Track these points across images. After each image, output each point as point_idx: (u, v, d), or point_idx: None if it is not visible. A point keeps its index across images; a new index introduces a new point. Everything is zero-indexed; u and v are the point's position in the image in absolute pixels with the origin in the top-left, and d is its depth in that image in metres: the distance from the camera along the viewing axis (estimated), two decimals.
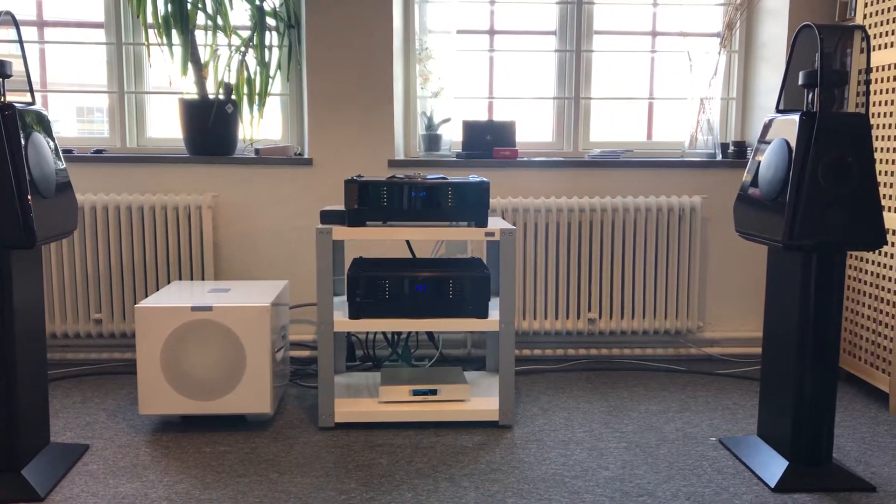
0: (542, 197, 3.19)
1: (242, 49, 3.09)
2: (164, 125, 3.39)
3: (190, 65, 3.09)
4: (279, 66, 3.28)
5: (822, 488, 2.04)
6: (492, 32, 3.40)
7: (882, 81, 2.73)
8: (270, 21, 3.17)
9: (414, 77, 3.36)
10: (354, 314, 2.40)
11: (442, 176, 2.50)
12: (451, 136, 3.37)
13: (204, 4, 3.01)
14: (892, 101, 2.66)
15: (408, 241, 2.94)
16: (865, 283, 2.81)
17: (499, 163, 3.20)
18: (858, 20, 2.86)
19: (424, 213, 2.42)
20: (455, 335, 3.28)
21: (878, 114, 2.75)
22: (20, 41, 2.09)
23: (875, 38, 2.77)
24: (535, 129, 3.46)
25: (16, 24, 2.08)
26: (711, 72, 3.34)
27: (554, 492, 2.02)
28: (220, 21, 3.03)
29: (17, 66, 2.20)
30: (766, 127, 2.15)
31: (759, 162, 2.13)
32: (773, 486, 2.04)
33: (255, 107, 3.13)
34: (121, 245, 3.09)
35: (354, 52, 3.13)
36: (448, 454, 2.26)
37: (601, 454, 2.27)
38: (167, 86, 3.37)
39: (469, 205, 2.42)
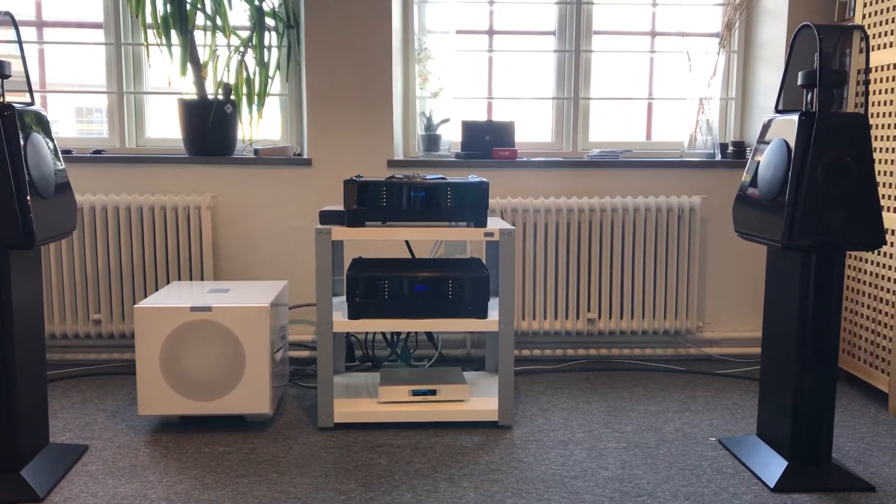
0: (542, 197, 3.19)
1: (241, 49, 3.09)
2: (164, 125, 3.39)
3: (189, 65, 3.09)
4: (278, 67, 3.28)
5: (821, 488, 2.04)
6: (491, 33, 3.40)
7: (881, 81, 2.73)
8: (269, 21, 3.17)
9: (413, 77, 3.36)
10: (354, 314, 2.40)
11: (441, 176, 2.50)
12: (451, 137, 3.37)
13: (203, 5, 3.01)
14: (892, 101, 2.66)
15: (407, 242, 2.94)
16: (865, 283, 2.81)
17: (498, 163, 3.20)
18: (857, 20, 2.86)
19: (424, 214, 2.42)
20: (454, 335, 3.28)
21: (878, 114, 2.75)
22: (19, 41, 2.09)
23: (874, 38, 2.77)
24: (534, 129, 3.46)
25: (15, 24, 2.08)
26: (710, 72, 3.34)
27: (553, 492, 2.02)
28: (219, 21, 3.03)
29: (16, 67, 2.20)
30: (766, 127, 2.15)
31: (759, 162, 2.13)
32: (772, 486, 2.04)
33: (255, 107, 3.13)
34: (120, 245, 3.09)
35: (354, 52, 3.13)
36: (447, 454, 2.26)
37: (600, 454, 2.27)
38: (166, 86, 3.37)
39: (468, 205, 2.42)
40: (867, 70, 2.07)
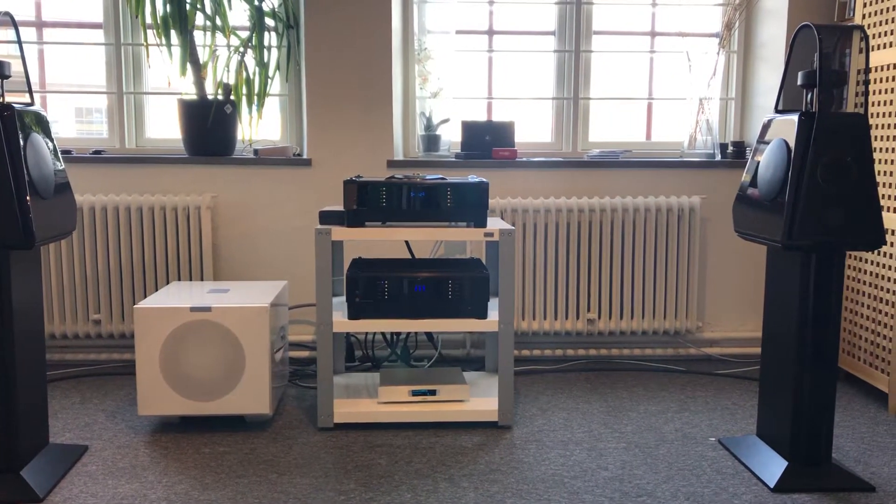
0: (542, 197, 3.19)
1: (241, 49, 3.09)
2: (163, 126, 3.39)
3: (189, 65, 3.09)
4: (278, 67, 3.28)
5: (821, 488, 2.04)
6: (491, 33, 3.40)
7: (881, 81, 2.73)
8: (269, 21, 3.17)
9: (413, 77, 3.36)
10: (353, 315, 2.40)
11: (441, 176, 2.50)
12: (450, 137, 3.37)
13: (203, 5, 3.01)
14: (891, 101, 2.66)
15: (407, 242, 2.94)
16: (864, 283, 2.81)
17: (498, 163, 3.20)
18: (857, 20, 2.86)
19: (423, 214, 2.42)
20: (454, 335, 3.28)
21: (877, 114, 2.75)
22: (19, 42, 2.09)
23: (874, 38, 2.77)
24: (534, 129, 3.46)
25: (14, 24, 2.08)
26: (710, 72, 3.34)
27: (553, 492, 2.02)
28: (218, 21, 3.03)
29: (15, 67, 2.20)
30: (765, 127, 2.15)
31: (758, 162, 2.13)
32: (772, 486, 2.04)
33: (254, 107, 3.13)
34: (120, 246, 3.09)
35: (353, 52, 3.13)
36: (447, 455, 2.26)
37: (600, 454, 2.27)
38: (166, 86, 3.37)
39: (468, 205, 2.42)
40: (867, 70, 2.07)
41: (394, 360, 3.09)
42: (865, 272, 2.81)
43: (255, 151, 3.21)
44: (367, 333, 3.18)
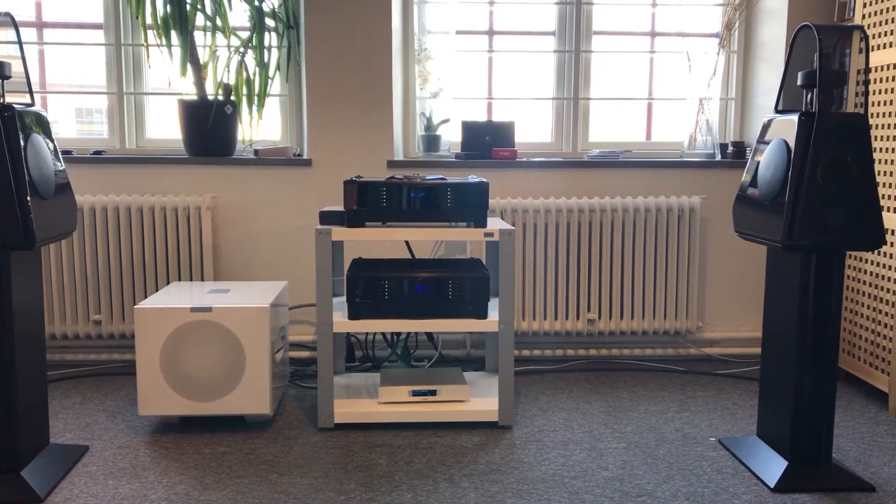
0: (542, 197, 3.19)
1: (241, 50, 3.09)
2: (164, 126, 3.39)
3: (189, 66, 3.09)
4: (278, 67, 3.28)
5: (821, 488, 2.04)
6: (491, 33, 3.40)
7: (881, 81, 2.73)
8: (269, 22, 3.17)
9: (413, 78, 3.36)
10: (354, 315, 2.40)
11: (441, 176, 2.50)
12: (451, 137, 3.37)
13: (203, 5, 3.01)
14: (891, 101, 2.66)
15: (407, 242, 2.94)
16: (864, 283, 2.81)
17: (498, 163, 3.20)
18: (857, 20, 2.86)
19: (423, 214, 2.42)
20: (454, 336, 3.28)
21: (877, 114, 2.75)
22: (19, 42, 2.09)
23: (874, 38, 2.77)
24: (534, 129, 3.46)
25: (15, 25, 2.08)
26: (710, 72, 3.34)
27: (553, 492, 2.02)
28: (219, 22, 3.03)
29: (16, 68, 2.20)
30: (765, 127, 2.15)
31: (759, 162, 2.13)
32: (772, 486, 2.04)
33: (255, 107, 3.13)
34: (120, 246, 3.09)
35: (353, 52, 3.13)
36: (447, 455, 2.26)
37: (601, 454, 2.27)
38: (166, 87, 3.37)
39: (468, 205, 2.42)
40: (867, 70, 2.07)
41: (394, 361, 3.09)
42: (865, 272, 2.81)
43: (256, 152, 3.21)
44: (367, 333, 3.18)
